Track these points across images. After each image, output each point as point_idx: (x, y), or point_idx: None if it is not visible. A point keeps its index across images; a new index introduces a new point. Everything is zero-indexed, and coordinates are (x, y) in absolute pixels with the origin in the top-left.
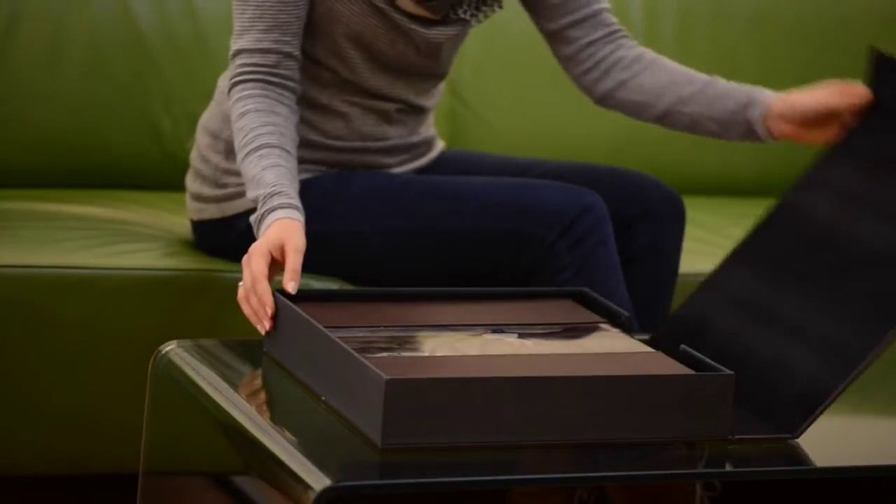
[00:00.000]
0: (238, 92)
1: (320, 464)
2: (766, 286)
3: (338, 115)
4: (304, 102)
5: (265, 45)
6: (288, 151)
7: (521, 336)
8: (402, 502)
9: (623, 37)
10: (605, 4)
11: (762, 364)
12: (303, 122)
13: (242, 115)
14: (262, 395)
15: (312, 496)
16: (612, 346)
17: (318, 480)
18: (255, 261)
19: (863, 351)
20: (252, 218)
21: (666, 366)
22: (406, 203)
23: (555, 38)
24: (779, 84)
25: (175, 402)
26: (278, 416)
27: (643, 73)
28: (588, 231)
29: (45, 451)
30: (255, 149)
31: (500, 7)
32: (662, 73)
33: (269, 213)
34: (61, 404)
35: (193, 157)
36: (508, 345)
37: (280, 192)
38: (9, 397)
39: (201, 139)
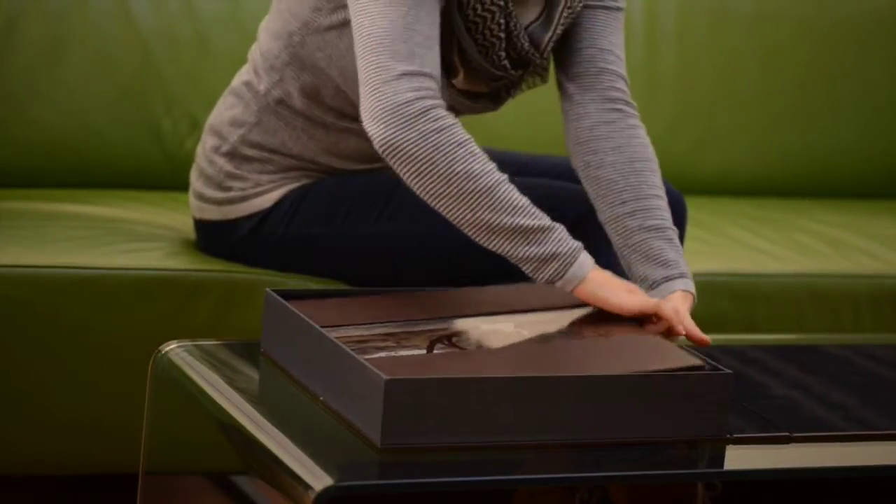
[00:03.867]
0: (444, 117)
1: (320, 464)
2: None
3: (352, 138)
4: (321, 126)
5: (430, 70)
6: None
7: (517, 325)
8: (402, 502)
9: (616, 111)
10: (617, 69)
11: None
12: (314, 140)
13: (465, 142)
14: (262, 396)
15: (312, 496)
16: (613, 333)
17: (318, 480)
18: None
19: None
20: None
21: (666, 348)
22: (408, 205)
23: (562, 92)
24: (779, 84)
25: (175, 402)
26: (278, 416)
27: (603, 170)
28: (590, 233)
29: (45, 451)
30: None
31: (544, 81)
32: (605, 181)
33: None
34: (61, 404)
35: (199, 154)
36: (505, 335)
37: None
38: (9, 397)
39: (207, 139)
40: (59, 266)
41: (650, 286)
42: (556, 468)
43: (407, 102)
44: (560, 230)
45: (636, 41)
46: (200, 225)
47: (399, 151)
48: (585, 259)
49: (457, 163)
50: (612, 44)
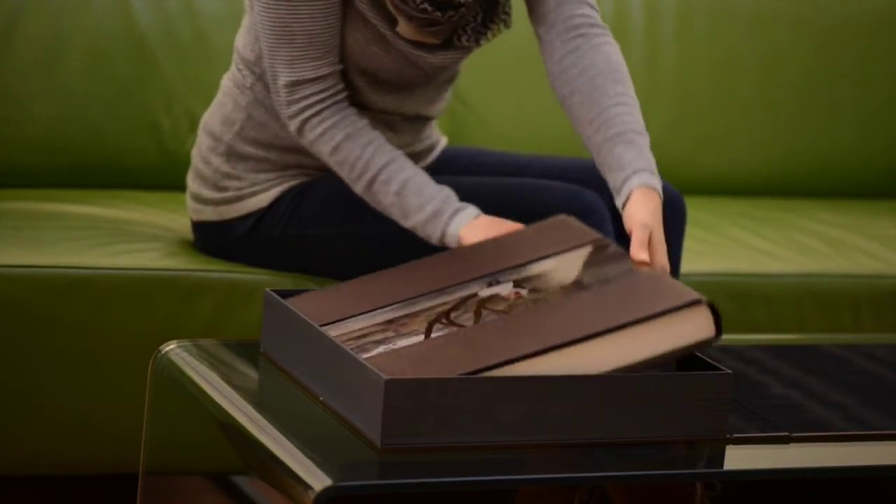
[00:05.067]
0: (317, 125)
1: (320, 464)
2: None
3: None
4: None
5: (324, 70)
6: (401, 158)
7: (515, 284)
8: (402, 502)
9: (579, 36)
10: (580, 10)
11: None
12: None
13: (337, 148)
14: (262, 396)
15: (312, 496)
16: (607, 272)
17: (318, 480)
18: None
19: None
20: (431, 236)
21: (668, 286)
22: None
23: (535, 33)
24: (779, 84)
25: (175, 402)
26: (278, 416)
27: (573, 97)
28: None
29: (45, 451)
30: (374, 178)
31: (508, 26)
32: (585, 99)
33: (444, 235)
34: (61, 404)
35: (194, 156)
36: (504, 301)
37: (445, 199)
38: (9, 397)
39: (202, 139)
40: (59, 266)
41: (616, 194)
42: (556, 468)
43: (288, 118)
44: (438, 200)
45: (636, 41)
46: (198, 226)
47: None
48: (469, 210)
49: (337, 170)
50: None
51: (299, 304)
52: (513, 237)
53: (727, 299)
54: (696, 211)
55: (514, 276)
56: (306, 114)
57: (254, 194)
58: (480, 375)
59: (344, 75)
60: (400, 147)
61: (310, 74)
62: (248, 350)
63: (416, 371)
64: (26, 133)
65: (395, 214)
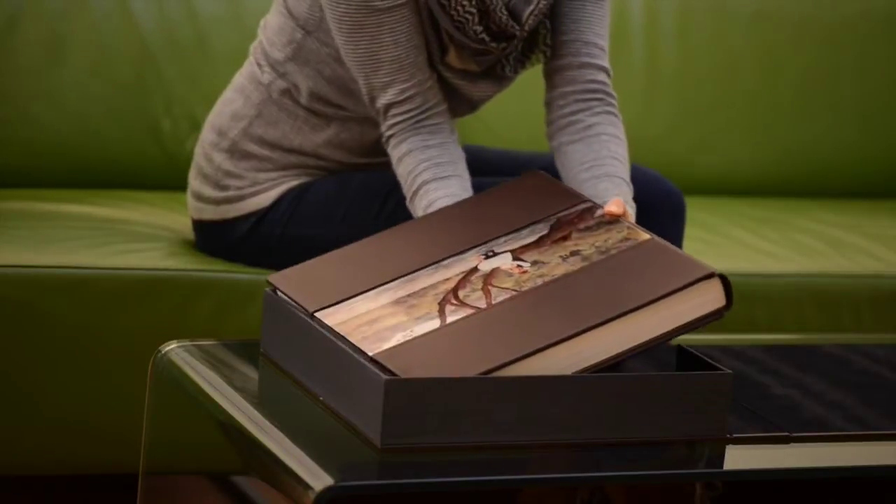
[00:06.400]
0: (394, 145)
1: (320, 464)
2: None
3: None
4: (324, 116)
5: (411, 92)
6: (445, 177)
7: (514, 257)
8: (402, 502)
9: (597, 100)
10: (600, 62)
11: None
12: (315, 131)
13: (399, 161)
14: (262, 396)
15: (312, 496)
16: (609, 244)
17: (318, 480)
18: None
19: None
20: None
21: (676, 258)
22: (406, 206)
23: (546, 81)
24: (779, 84)
25: (175, 402)
26: (278, 416)
27: (572, 146)
28: None
29: (45, 451)
30: (415, 192)
31: (547, 57)
32: (577, 156)
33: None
34: (61, 404)
35: (197, 153)
36: (507, 274)
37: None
38: (9, 397)
39: (206, 135)
40: (59, 266)
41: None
42: (556, 468)
43: (383, 137)
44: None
45: (636, 41)
46: (199, 225)
47: None
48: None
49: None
50: (596, 35)
51: (293, 286)
52: (493, 198)
53: None
54: (696, 211)
55: (510, 247)
56: (390, 131)
57: (255, 194)
58: (480, 375)
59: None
60: None
61: (397, 98)
62: (248, 350)
63: (448, 365)
64: (26, 133)
65: None
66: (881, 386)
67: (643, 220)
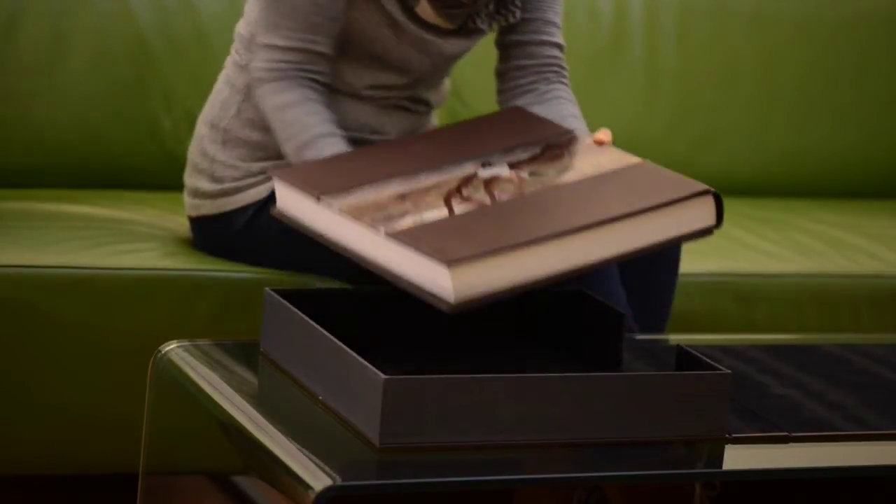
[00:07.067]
0: (271, 88)
1: (320, 464)
2: None
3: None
4: None
5: (295, 43)
6: (338, 138)
7: (512, 167)
8: (402, 502)
9: (552, 72)
10: (557, 39)
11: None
12: None
13: (283, 107)
14: (262, 396)
15: (312, 496)
16: (599, 164)
17: (317, 480)
18: None
19: None
20: None
21: (672, 176)
22: None
23: (500, 52)
24: (779, 84)
25: (175, 402)
26: (278, 416)
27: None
28: None
29: (45, 451)
30: (306, 143)
31: (515, 18)
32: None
33: None
34: (61, 404)
35: (191, 151)
36: (508, 181)
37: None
38: (9, 397)
39: (199, 131)
40: (59, 266)
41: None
42: (555, 468)
43: (255, 71)
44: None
45: (636, 41)
46: (197, 223)
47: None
48: None
49: (276, 128)
50: (555, 14)
51: (296, 177)
52: (482, 123)
53: (727, 299)
54: None
55: (507, 159)
56: (263, 74)
57: (251, 186)
58: (480, 376)
59: (346, 54)
60: (391, 133)
61: (280, 42)
62: (248, 350)
63: (470, 243)
64: (26, 133)
65: None
66: (881, 386)
67: None
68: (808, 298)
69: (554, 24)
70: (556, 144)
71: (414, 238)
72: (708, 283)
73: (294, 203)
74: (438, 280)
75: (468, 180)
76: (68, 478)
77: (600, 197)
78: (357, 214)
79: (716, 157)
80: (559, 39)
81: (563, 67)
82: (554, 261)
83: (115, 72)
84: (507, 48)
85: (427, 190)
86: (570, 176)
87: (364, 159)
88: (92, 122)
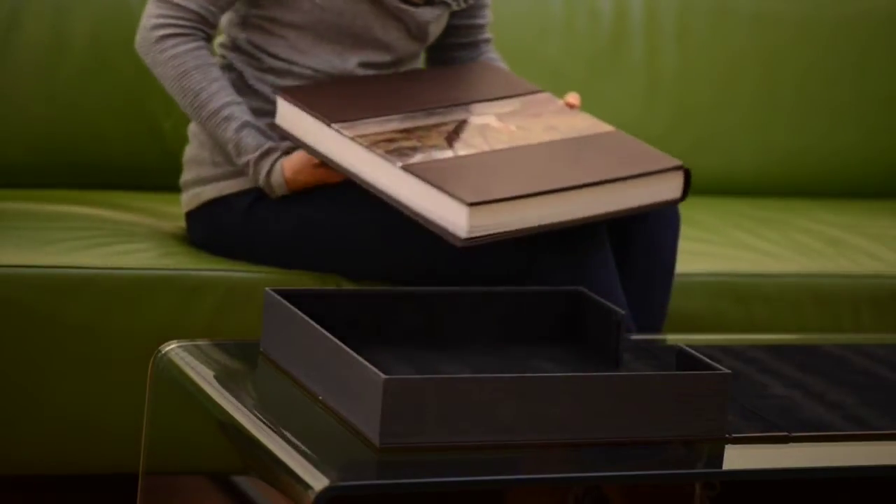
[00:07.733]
0: (170, 48)
1: (320, 464)
2: None
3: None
4: (271, 70)
5: (190, 4)
6: (243, 104)
7: (497, 117)
8: (402, 502)
9: (483, 43)
10: (489, 20)
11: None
12: (278, 76)
13: (185, 74)
14: (262, 395)
15: (312, 496)
16: (577, 127)
17: (317, 480)
18: (310, 174)
19: None
20: (257, 180)
21: (642, 147)
22: None
23: (438, 48)
24: (779, 84)
25: (175, 402)
26: (278, 416)
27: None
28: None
29: (45, 451)
30: (215, 111)
31: None
32: None
33: (271, 171)
34: (61, 404)
35: (187, 151)
36: (497, 130)
37: (267, 151)
38: (9, 397)
39: (192, 129)
40: (59, 266)
41: None
42: (555, 468)
43: (149, 29)
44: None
45: (636, 41)
46: (196, 216)
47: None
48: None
49: (177, 95)
50: None
51: (307, 100)
52: (458, 72)
53: (728, 299)
54: (697, 211)
55: (493, 110)
56: (160, 31)
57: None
58: (480, 376)
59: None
60: None
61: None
62: (248, 350)
63: (487, 186)
64: (26, 133)
65: (230, 150)
66: (881, 386)
67: (639, 222)
68: (808, 298)
69: (488, 6)
70: (536, 102)
71: (432, 173)
72: (708, 283)
73: (298, 122)
74: (452, 217)
75: (462, 125)
76: (68, 478)
77: (591, 158)
78: (368, 144)
79: (716, 157)
80: (490, 19)
81: (490, 40)
82: (556, 212)
83: (114, 72)
84: (449, 28)
85: (427, 128)
86: (553, 135)
87: (361, 92)
88: (92, 123)
